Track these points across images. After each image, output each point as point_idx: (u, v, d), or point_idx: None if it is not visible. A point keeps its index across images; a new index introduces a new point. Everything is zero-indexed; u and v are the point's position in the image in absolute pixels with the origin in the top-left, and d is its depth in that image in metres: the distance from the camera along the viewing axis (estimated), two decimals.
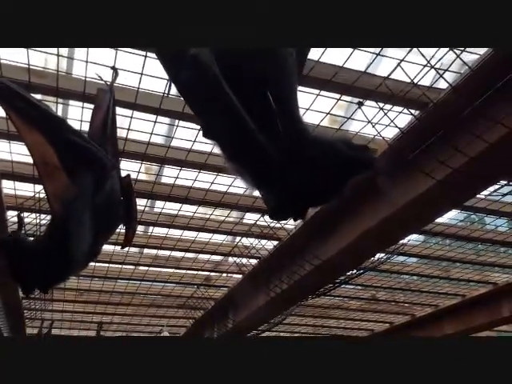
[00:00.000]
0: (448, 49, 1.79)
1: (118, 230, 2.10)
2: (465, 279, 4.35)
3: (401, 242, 3.19)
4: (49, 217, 2.74)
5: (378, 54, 1.93)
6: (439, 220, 3.23)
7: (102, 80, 1.87)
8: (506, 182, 2.49)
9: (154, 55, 1.85)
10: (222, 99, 1.26)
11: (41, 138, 1.49)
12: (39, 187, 2.62)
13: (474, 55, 1.87)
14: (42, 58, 2.13)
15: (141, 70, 1.90)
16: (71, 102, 2.15)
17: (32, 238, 2.16)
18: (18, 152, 2.44)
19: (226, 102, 1.25)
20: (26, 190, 2.72)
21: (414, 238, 3.73)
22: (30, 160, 2.45)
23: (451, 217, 3.41)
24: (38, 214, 2.74)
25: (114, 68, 1.87)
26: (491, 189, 2.50)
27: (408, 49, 1.89)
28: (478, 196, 2.72)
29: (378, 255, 3.36)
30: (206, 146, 2.40)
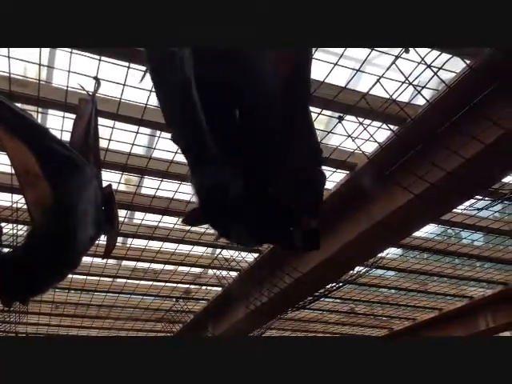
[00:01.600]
0: (425, 66, 1.83)
1: (96, 242, 2.08)
2: (442, 293, 4.41)
3: (379, 255, 3.22)
4: (26, 227, 2.71)
5: (357, 70, 1.97)
6: (417, 234, 3.28)
7: (83, 90, 1.87)
8: (481, 197, 2.55)
9: (136, 66, 1.86)
10: (183, 108, 1.24)
11: (22, 146, 1.48)
12: (17, 197, 2.59)
13: (450, 73, 1.93)
14: (23, 67, 2.13)
15: (123, 80, 1.91)
16: (52, 111, 2.14)
17: (7, 249, 2.12)
18: None
19: (186, 110, 1.22)
20: (3, 199, 2.67)
21: (392, 252, 3.77)
22: (7, 169, 2.43)
23: (428, 231, 3.46)
24: (15, 225, 2.69)
25: (96, 78, 1.87)
26: (467, 204, 2.56)
27: (387, 65, 1.94)
28: (454, 210, 2.78)
29: (357, 268, 3.39)
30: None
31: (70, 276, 3.62)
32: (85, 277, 3.83)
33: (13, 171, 2.34)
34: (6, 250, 1.99)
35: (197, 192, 1.33)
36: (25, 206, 2.53)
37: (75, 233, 1.63)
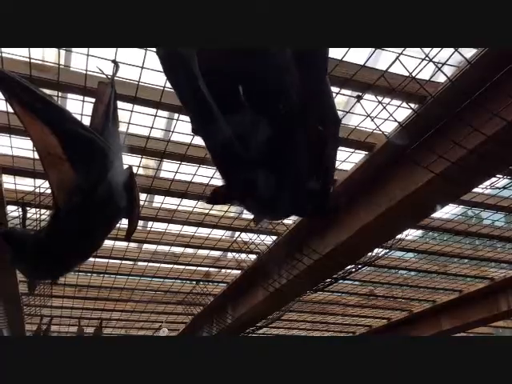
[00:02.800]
0: None
1: (117, 225, 2.11)
2: (462, 274, 4.37)
3: (398, 236, 3.21)
4: (48, 212, 2.76)
5: (376, 48, 1.94)
6: (436, 215, 3.26)
7: (103, 73, 1.88)
8: (502, 176, 2.52)
9: (154, 49, 1.87)
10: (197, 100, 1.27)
11: (45, 129, 1.50)
12: (39, 182, 2.64)
13: (471, 49, 1.89)
14: (41, 52, 2.15)
15: (141, 63, 1.92)
16: (71, 95, 2.16)
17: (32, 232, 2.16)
18: (18, 146, 2.45)
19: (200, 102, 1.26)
20: (27, 184, 2.72)
21: (411, 233, 3.75)
22: (30, 155, 2.47)
23: (449, 211, 3.43)
24: (37, 209, 2.74)
25: (114, 62, 1.88)
26: (487, 183, 2.52)
27: None
28: (474, 190, 2.74)
29: (376, 250, 3.38)
30: None
31: (92, 259, 3.70)
32: (107, 260, 3.90)
33: (35, 156, 2.40)
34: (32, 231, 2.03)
35: (224, 169, 1.34)
36: (47, 191, 2.60)
37: (98, 215, 1.66)
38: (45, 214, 2.79)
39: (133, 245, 3.84)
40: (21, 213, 2.27)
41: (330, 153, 1.40)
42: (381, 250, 3.41)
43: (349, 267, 3.49)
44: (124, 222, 2.12)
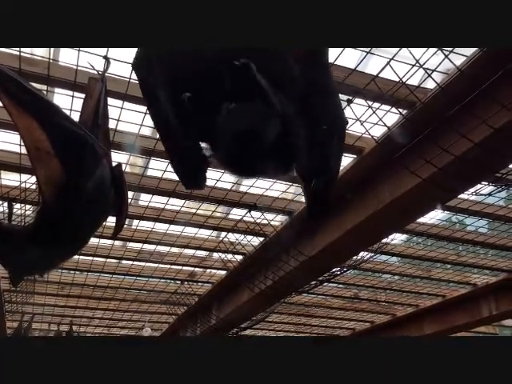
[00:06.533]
0: (436, 49, 1.82)
1: (104, 222, 2.09)
2: (445, 280, 4.42)
3: (384, 240, 3.23)
4: (33, 207, 2.73)
5: (368, 53, 1.96)
6: (421, 220, 3.29)
7: (93, 69, 1.87)
8: (487, 183, 2.55)
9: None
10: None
11: (33, 123, 1.48)
12: (25, 177, 2.60)
13: (461, 56, 1.92)
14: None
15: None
16: (61, 90, 2.14)
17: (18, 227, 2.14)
18: (4, 140, 2.42)
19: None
20: (12, 179, 2.69)
21: (396, 238, 3.78)
22: (16, 149, 2.44)
23: (433, 217, 3.46)
24: (23, 205, 2.71)
25: (106, 57, 1.86)
26: (472, 190, 2.55)
27: (395, 49, 1.93)
28: (459, 196, 2.78)
29: (362, 254, 3.40)
30: None
31: (76, 257, 3.66)
32: (91, 258, 3.86)
33: (22, 151, 2.37)
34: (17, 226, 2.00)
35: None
36: (33, 187, 2.57)
37: (85, 211, 1.64)
38: (30, 209, 2.75)
39: (118, 243, 3.81)
40: (6, 208, 2.24)
41: (329, 151, 1.39)
42: (366, 253, 3.43)
43: (334, 270, 3.51)
44: (110, 220, 2.10)
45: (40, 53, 2.10)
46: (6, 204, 2.40)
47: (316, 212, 1.46)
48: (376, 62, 2.08)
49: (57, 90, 2.13)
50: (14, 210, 2.67)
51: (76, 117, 1.87)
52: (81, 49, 1.85)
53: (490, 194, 2.60)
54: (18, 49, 1.87)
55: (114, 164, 1.86)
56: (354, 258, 3.36)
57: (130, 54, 1.87)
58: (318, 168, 1.36)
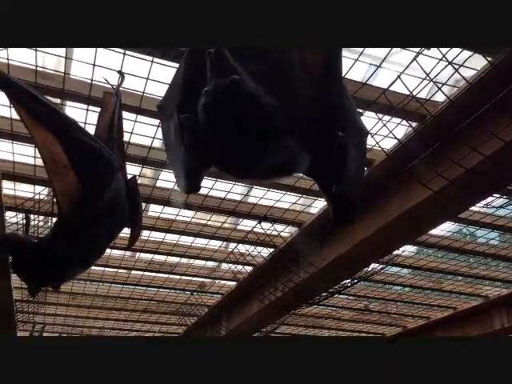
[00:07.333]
0: (446, 63, 1.84)
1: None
2: (456, 292, 4.39)
3: (395, 252, 3.23)
4: (47, 218, 2.77)
5: (378, 66, 1.98)
6: (432, 232, 3.28)
7: (108, 83, 1.90)
8: (498, 195, 2.54)
9: (160, 60, 1.90)
10: None
11: (50, 136, 1.52)
12: (39, 188, 2.64)
13: (471, 70, 1.93)
14: (49, 60, 2.17)
15: (146, 74, 1.94)
16: (76, 103, 2.17)
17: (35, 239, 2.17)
18: (20, 152, 2.46)
19: None
20: (27, 191, 2.73)
21: (407, 249, 3.77)
22: (31, 161, 2.49)
23: (444, 229, 3.45)
24: (36, 216, 2.75)
25: (120, 72, 1.90)
26: (484, 202, 2.55)
27: (403, 62, 1.95)
28: (470, 209, 2.77)
29: (372, 265, 3.39)
30: None
31: None
32: (102, 268, 3.89)
33: (36, 163, 2.42)
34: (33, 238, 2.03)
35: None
36: (46, 198, 2.61)
37: (101, 223, 1.67)
38: (44, 220, 2.79)
39: (129, 253, 3.84)
40: (23, 220, 2.27)
41: (349, 159, 1.38)
42: (377, 265, 3.43)
43: (344, 281, 3.51)
44: (123, 231, 2.13)
45: (54, 66, 2.14)
46: (21, 215, 2.44)
47: (342, 219, 1.44)
48: (383, 76, 2.10)
49: (72, 103, 2.17)
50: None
51: (91, 130, 1.91)
52: (96, 64, 1.88)
53: (501, 207, 2.60)
54: (34, 63, 1.91)
55: (128, 176, 1.89)
56: (365, 269, 3.36)
57: (143, 68, 1.91)
58: (342, 175, 1.35)
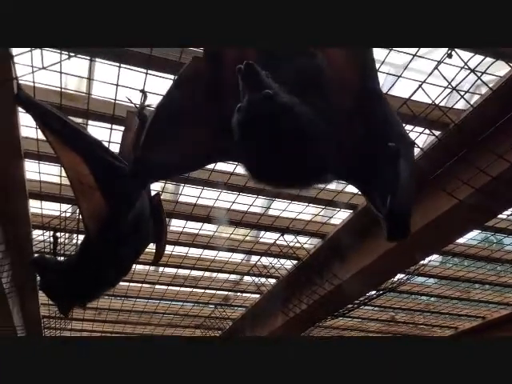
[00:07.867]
0: (468, 71, 1.82)
1: None
2: (485, 301, 4.30)
3: (421, 262, 3.18)
4: (74, 236, 2.81)
5: (399, 76, 1.97)
6: (458, 240, 3.22)
7: (131, 103, 1.93)
8: None
9: None
10: None
11: (76, 158, 1.55)
12: (65, 207, 2.69)
13: (490, 76, 1.90)
14: (71, 81, 2.22)
15: None
16: (93, 122, 2.20)
17: (61, 258, 2.20)
18: (46, 172, 2.51)
19: None
20: (53, 209, 2.78)
21: (433, 259, 3.71)
22: (57, 180, 2.53)
23: (470, 237, 3.39)
24: (63, 234, 2.79)
25: (143, 91, 1.92)
26: (511, 209, 2.51)
27: (423, 70, 1.93)
28: (498, 216, 2.72)
29: (398, 276, 3.35)
30: (228, 165, 2.45)
31: None
32: (127, 283, 3.92)
33: (62, 182, 2.46)
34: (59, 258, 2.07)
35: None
36: (72, 216, 2.65)
37: (127, 242, 1.68)
38: (70, 237, 2.83)
39: (153, 268, 3.86)
40: (50, 239, 2.31)
41: (399, 171, 1.32)
42: (403, 275, 3.38)
43: (370, 293, 3.47)
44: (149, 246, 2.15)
45: (75, 87, 2.18)
46: (48, 233, 2.48)
47: (397, 233, 1.37)
48: (402, 85, 2.08)
49: (95, 123, 2.21)
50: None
51: (114, 149, 1.94)
52: (119, 83, 1.91)
53: None
54: (58, 85, 1.95)
55: (152, 193, 1.91)
56: (391, 280, 3.32)
57: (165, 86, 1.93)
58: (396, 187, 1.30)
